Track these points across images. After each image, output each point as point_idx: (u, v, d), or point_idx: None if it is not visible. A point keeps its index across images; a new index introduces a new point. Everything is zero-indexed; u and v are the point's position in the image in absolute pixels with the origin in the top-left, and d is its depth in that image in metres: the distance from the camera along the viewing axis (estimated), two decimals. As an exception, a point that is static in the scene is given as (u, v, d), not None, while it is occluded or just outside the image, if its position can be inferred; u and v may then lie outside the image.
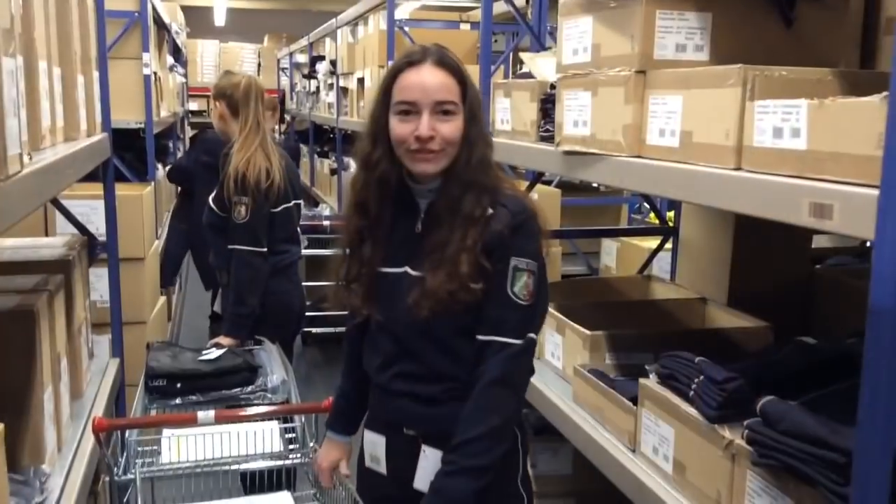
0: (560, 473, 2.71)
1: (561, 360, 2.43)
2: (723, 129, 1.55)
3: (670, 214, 3.90)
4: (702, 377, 1.73)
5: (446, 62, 1.62)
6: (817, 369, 1.73)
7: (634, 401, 1.98)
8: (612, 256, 3.99)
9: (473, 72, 3.21)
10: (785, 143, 1.39)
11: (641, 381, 1.92)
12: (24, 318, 1.71)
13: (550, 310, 2.36)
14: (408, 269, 1.66)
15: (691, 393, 1.75)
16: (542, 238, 1.67)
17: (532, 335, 1.63)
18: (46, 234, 3.48)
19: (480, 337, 1.61)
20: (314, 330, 5.38)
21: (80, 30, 2.30)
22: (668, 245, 3.34)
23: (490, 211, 1.61)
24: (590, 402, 2.19)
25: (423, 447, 1.66)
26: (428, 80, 1.59)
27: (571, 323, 2.36)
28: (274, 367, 2.51)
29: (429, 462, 1.66)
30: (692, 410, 1.72)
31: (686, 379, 1.78)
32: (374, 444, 1.76)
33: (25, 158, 1.39)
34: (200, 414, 1.91)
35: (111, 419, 2.08)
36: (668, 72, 1.75)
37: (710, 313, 2.59)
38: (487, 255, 1.59)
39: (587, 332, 2.28)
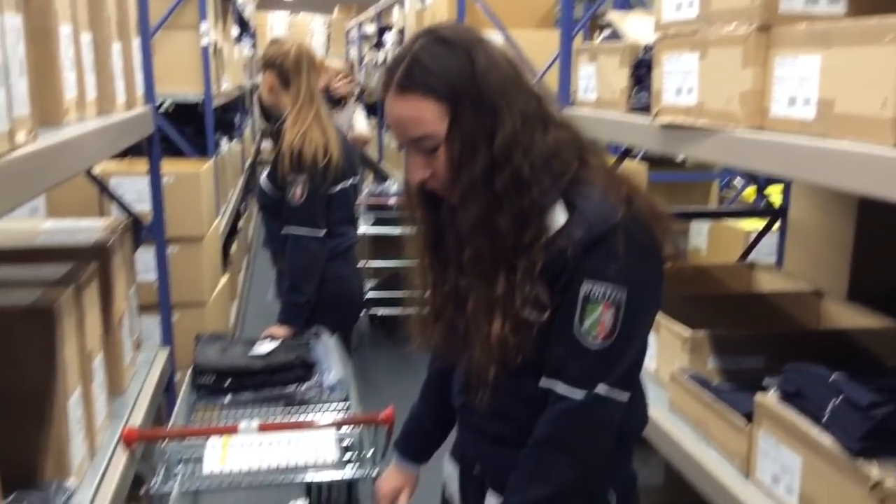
0: (649, 485, 2.43)
1: (655, 361, 2.14)
2: (878, 98, 1.23)
3: (770, 189, 3.53)
4: (839, 399, 1.42)
5: (413, 78, 1.19)
6: None
7: (747, 417, 1.69)
8: (702, 238, 3.63)
9: (552, 39, 2.91)
10: (973, 111, 1.07)
11: (759, 397, 1.62)
12: (41, 316, 1.50)
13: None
14: None
15: (825, 417, 1.44)
16: (651, 253, 1.23)
17: (600, 391, 1.21)
18: (101, 215, 3.32)
19: (543, 380, 1.25)
20: (381, 311, 5.17)
21: (118, -9, 2.08)
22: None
23: (562, 219, 1.21)
24: (690, 413, 1.90)
25: (489, 491, 1.37)
26: (395, 114, 1.23)
27: (668, 320, 2.06)
28: (331, 363, 2.27)
29: None
30: (827, 439, 1.42)
31: (818, 399, 1.47)
32: (450, 477, 1.50)
33: (20, 137, 1.16)
34: (242, 424, 1.70)
35: (143, 430, 1.88)
36: (800, 28, 1.43)
37: (826, 309, 2.26)
38: (551, 279, 1.21)
39: (687, 331, 1.98)
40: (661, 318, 2.08)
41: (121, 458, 1.80)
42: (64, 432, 1.57)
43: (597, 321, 1.19)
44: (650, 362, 2.14)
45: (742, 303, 2.31)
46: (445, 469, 1.53)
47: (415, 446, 1.60)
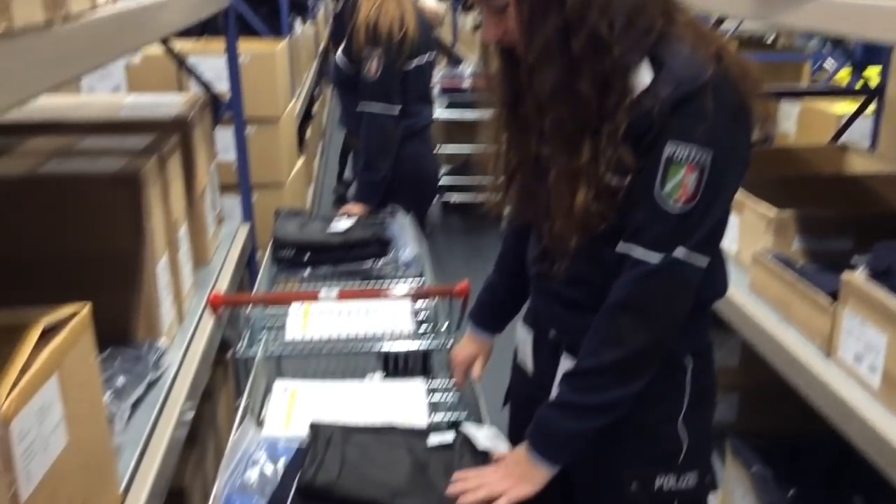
0: (725, 366, 2.42)
1: (737, 242, 2.09)
2: None
3: (868, 73, 3.33)
4: (933, 276, 1.37)
5: None
6: None
7: (832, 297, 1.64)
8: (791, 121, 3.47)
9: None
10: None
11: (847, 275, 1.57)
12: (128, 182, 1.53)
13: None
14: None
15: (917, 295, 1.39)
16: (741, 114, 1.17)
17: (679, 254, 1.18)
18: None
19: (620, 245, 1.22)
20: (454, 197, 5.18)
21: None
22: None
23: (647, 78, 1.16)
24: (772, 294, 1.86)
25: (564, 355, 1.37)
26: None
27: (753, 199, 2.00)
28: (407, 240, 2.30)
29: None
30: (917, 317, 1.38)
31: (910, 277, 1.42)
32: (524, 341, 1.51)
33: (102, -3, 1.16)
34: (323, 291, 1.73)
35: (228, 294, 1.94)
36: None
37: (922, 192, 2.15)
38: (635, 141, 1.17)
39: (772, 211, 1.92)
40: (745, 199, 2.02)
41: (208, 322, 1.88)
42: (153, 296, 1.63)
43: (679, 184, 1.16)
44: (731, 244, 2.10)
45: (831, 185, 2.22)
46: (518, 334, 1.54)
47: (489, 316, 1.61)
